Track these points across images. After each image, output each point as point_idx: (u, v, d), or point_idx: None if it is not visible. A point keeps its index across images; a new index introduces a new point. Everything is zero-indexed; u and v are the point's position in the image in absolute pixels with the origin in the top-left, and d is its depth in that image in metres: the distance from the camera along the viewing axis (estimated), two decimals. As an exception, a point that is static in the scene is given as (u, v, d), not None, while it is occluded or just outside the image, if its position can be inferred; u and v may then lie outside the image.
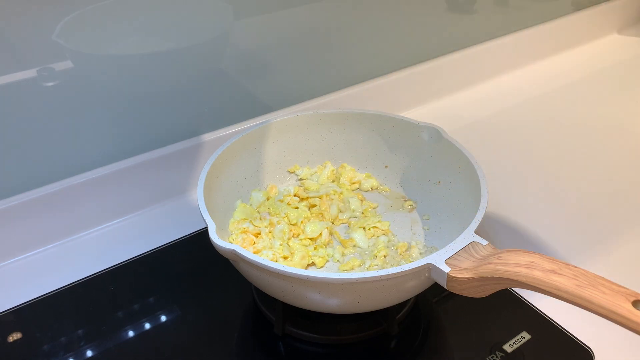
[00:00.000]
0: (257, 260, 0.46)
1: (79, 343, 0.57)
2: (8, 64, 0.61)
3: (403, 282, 0.47)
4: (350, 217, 0.65)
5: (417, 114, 0.96)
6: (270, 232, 0.62)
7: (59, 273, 0.65)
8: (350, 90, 0.89)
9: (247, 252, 0.46)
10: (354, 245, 0.62)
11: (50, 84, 0.64)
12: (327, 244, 0.61)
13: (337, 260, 0.60)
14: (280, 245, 0.59)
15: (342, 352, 0.55)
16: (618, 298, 0.38)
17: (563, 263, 0.41)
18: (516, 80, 1.07)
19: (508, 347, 0.55)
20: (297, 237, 0.62)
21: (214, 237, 0.48)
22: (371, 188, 0.70)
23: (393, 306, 0.54)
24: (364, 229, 0.63)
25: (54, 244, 0.70)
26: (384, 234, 0.63)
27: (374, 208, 0.67)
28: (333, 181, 0.70)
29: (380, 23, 0.88)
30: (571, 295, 0.39)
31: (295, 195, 0.67)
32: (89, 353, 0.56)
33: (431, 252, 0.57)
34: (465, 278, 0.44)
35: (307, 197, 0.67)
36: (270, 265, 0.45)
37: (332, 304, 0.48)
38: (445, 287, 0.46)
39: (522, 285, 0.41)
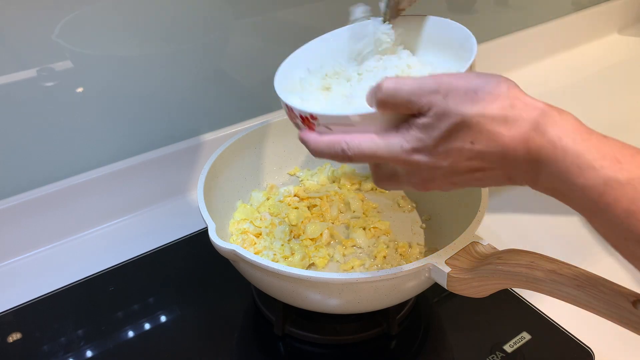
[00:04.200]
0: (257, 260, 0.46)
1: (79, 343, 0.57)
2: (8, 64, 0.61)
3: (403, 282, 0.47)
4: (350, 218, 0.65)
5: (417, 114, 0.96)
6: (271, 232, 0.62)
7: (59, 273, 0.65)
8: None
9: (247, 253, 0.46)
10: (354, 246, 0.62)
11: (50, 84, 0.64)
12: (327, 244, 0.61)
13: (338, 261, 0.60)
14: (282, 245, 0.59)
15: (342, 352, 0.55)
16: (618, 298, 0.38)
17: (563, 263, 0.41)
18: (516, 80, 1.07)
19: (508, 347, 0.55)
20: (298, 237, 0.62)
21: (214, 237, 0.48)
22: (371, 188, 0.70)
23: (393, 306, 0.54)
24: (364, 229, 0.63)
25: (54, 244, 0.70)
26: (384, 234, 0.63)
27: (374, 208, 0.67)
28: (333, 182, 0.70)
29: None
30: (571, 295, 0.39)
31: (295, 196, 0.67)
32: (89, 353, 0.56)
33: (431, 253, 0.57)
34: (466, 278, 0.44)
35: (308, 198, 0.67)
36: (270, 265, 0.45)
37: (333, 304, 0.48)
38: (446, 287, 0.46)
39: (523, 286, 0.41)
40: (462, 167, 0.37)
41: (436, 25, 0.51)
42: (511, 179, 0.37)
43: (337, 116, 0.40)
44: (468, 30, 0.48)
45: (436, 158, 0.37)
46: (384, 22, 0.51)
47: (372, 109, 0.39)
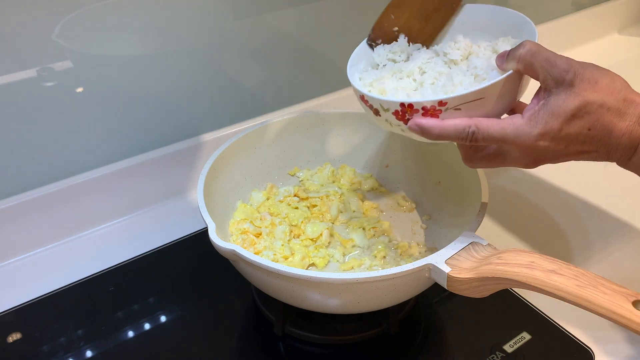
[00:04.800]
0: (257, 260, 0.46)
1: (79, 343, 0.57)
2: (8, 64, 0.61)
3: (403, 282, 0.47)
4: (350, 218, 0.65)
5: (417, 114, 0.96)
6: (271, 232, 0.62)
7: (59, 273, 0.65)
8: (350, 90, 0.88)
9: (247, 252, 0.46)
10: (354, 246, 0.62)
11: (50, 84, 0.64)
12: (327, 245, 0.61)
13: (337, 261, 0.60)
14: (282, 245, 0.59)
15: (342, 352, 0.55)
16: (618, 298, 0.38)
17: (563, 263, 0.41)
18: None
19: (508, 347, 0.55)
20: (298, 237, 0.62)
21: (214, 237, 0.48)
22: (371, 188, 0.70)
23: (393, 306, 0.54)
24: (364, 229, 0.63)
25: (54, 244, 0.70)
26: (384, 234, 0.63)
27: (374, 208, 0.67)
28: (333, 182, 0.70)
29: (380, 23, 0.88)
30: (571, 295, 0.39)
31: (295, 196, 0.67)
32: (89, 353, 0.56)
33: (431, 253, 0.57)
34: (466, 278, 0.44)
35: (307, 198, 0.67)
36: (270, 265, 0.45)
37: (333, 304, 0.48)
38: (446, 287, 0.46)
39: (523, 286, 0.41)
40: (574, 150, 0.43)
41: (469, 12, 0.55)
42: (608, 157, 0.43)
43: (470, 93, 0.42)
44: (511, 10, 0.53)
45: (557, 143, 0.42)
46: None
47: (503, 76, 0.43)
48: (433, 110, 0.43)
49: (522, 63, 0.42)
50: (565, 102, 0.40)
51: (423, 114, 0.44)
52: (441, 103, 0.43)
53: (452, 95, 0.43)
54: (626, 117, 0.41)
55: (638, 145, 0.41)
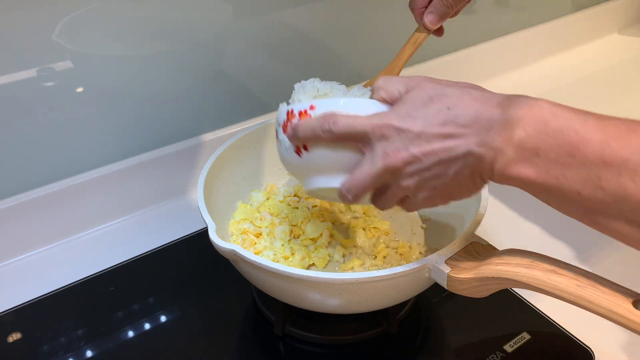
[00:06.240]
0: (257, 260, 0.46)
1: (79, 343, 0.57)
2: (8, 64, 0.61)
3: (403, 282, 0.47)
4: (350, 218, 0.65)
5: (417, 114, 0.96)
6: (271, 232, 0.62)
7: (59, 273, 0.65)
8: (350, 90, 0.89)
9: (247, 252, 0.46)
10: (354, 246, 0.62)
11: (50, 84, 0.64)
12: (327, 245, 0.61)
13: (337, 261, 0.60)
14: (282, 245, 0.59)
15: (342, 352, 0.55)
16: (618, 298, 0.38)
17: (563, 263, 0.41)
18: (516, 80, 1.07)
19: (508, 347, 0.55)
20: (298, 237, 0.62)
21: (214, 237, 0.48)
22: (371, 188, 0.70)
23: (393, 306, 0.54)
24: (364, 229, 0.63)
25: (54, 244, 0.70)
26: (384, 234, 0.63)
27: (374, 208, 0.67)
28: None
29: (380, 23, 0.88)
30: (571, 295, 0.39)
31: (295, 196, 0.67)
32: (89, 353, 0.56)
33: (431, 252, 0.57)
34: (466, 278, 0.44)
35: (308, 198, 0.67)
36: (270, 265, 0.45)
37: (332, 304, 0.48)
38: (446, 287, 0.46)
39: (523, 286, 0.41)
40: (435, 132, 0.39)
41: None
42: (481, 143, 0.37)
43: (332, 101, 0.45)
44: None
45: (413, 121, 0.39)
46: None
47: (363, 91, 0.47)
48: (306, 114, 0.46)
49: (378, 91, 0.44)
50: (419, 93, 0.40)
51: (299, 117, 0.46)
52: (312, 107, 0.45)
53: (320, 100, 0.46)
54: (491, 98, 0.38)
55: (515, 114, 0.35)
